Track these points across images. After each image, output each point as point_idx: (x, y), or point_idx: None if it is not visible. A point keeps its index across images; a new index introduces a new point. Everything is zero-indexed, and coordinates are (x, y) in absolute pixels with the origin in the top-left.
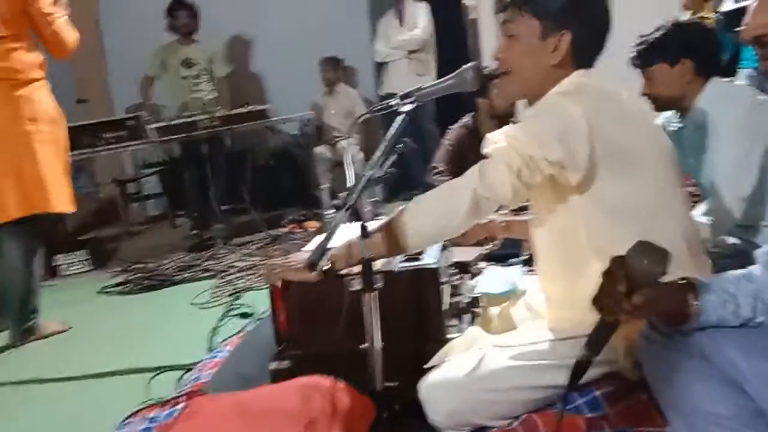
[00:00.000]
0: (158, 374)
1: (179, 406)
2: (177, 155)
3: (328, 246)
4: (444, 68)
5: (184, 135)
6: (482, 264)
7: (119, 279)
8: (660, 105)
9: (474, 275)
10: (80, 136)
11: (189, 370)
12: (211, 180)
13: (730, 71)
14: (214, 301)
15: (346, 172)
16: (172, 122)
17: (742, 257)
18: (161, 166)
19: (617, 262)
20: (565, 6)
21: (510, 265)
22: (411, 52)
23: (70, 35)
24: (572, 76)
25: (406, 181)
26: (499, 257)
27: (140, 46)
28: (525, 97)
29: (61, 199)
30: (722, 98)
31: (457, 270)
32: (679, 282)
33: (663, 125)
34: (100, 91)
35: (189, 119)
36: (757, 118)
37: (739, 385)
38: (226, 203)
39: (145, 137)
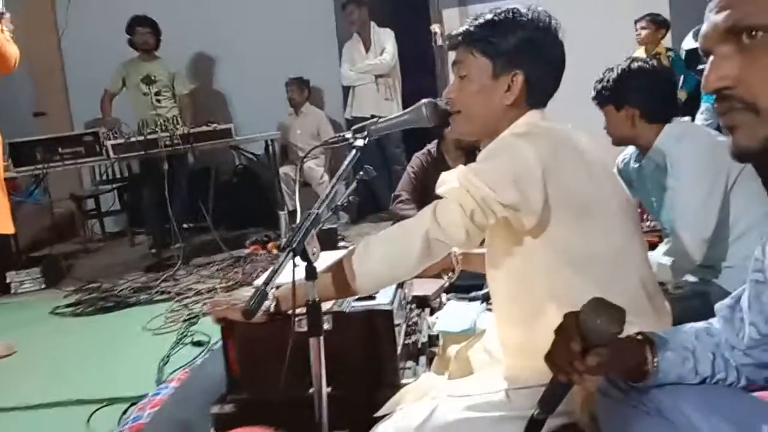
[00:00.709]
0: (101, 408)
1: None
2: (137, 171)
3: (274, 285)
4: (409, 94)
5: (142, 152)
6: (443, 297)
7: (72, 299)
8: (617, 142)
9: (434, 310)
10: (36, 150)
11: (133, 404)
12: (172, 198)
13: (692, 108)
14: (168, 326)
15: (318, 192)
16: (131, 139)
17: (702, 299)
18: (120, 182)
19: (571, 319)
20: (517, 46)
21: (473, 298)
22: (378, 76)
23: (12, 52)
24: (526, 117)
25: (372, 203)
26: (461, 288)
27: (101, 59)
28: (478, 137)
29: None
30: (680, 139)
31: (416, 305)
32: (637, 338)
33: (624, 161)
34: (59, 104)
35: (148, 136)
36: (716, 158)
37: None
38: (186, 222)
39: (104, 154)
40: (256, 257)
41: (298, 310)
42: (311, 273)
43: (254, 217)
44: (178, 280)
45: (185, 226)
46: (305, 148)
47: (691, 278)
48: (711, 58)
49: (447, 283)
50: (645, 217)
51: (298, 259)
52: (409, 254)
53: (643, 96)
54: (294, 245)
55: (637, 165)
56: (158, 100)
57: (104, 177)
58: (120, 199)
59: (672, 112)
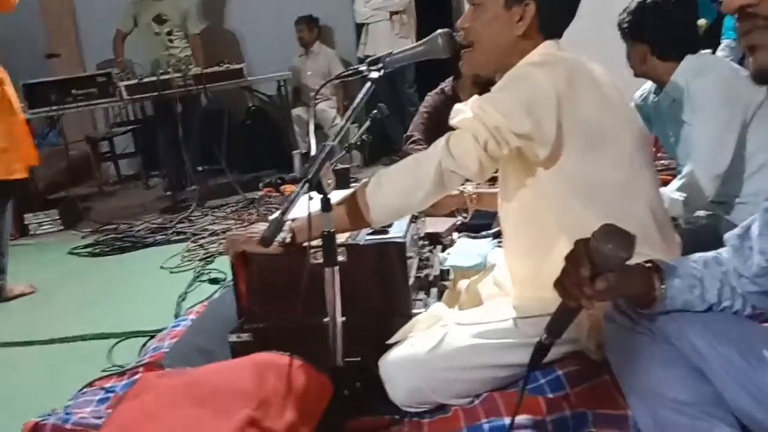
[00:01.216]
0: (121, 341)
1: (137, 377)
2: (150, 114)
3: (290, 218)
4: (424, 32)
5: (156, 93)
6: (454, 235)
7: (90, 240)
8: (636, 75)
9: (445, 247)
10: (50, 92)
11: (152, 337)
12: (186, 140)
13: (711, 42)
14: (185, 266)
15: (329, 133)
16: (144, 80)
17: (713, 234)
18: (134, 125)
19: (581, 245)
20: None
21: (482, 236)
22: (393, 13)
23: None
24: (541, 47)
25: (384, 145)
26: (472, 228)
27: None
28: (490, 69)
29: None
30: (699, 73)
31: (428, 241)
32: (645, 265)
33: (643, 96)
34: (70, 46)
35: (162, 77)
36: (735, 93)
37: (701, 371)
38: (201, 164)
39: (117, 95)
40: (270, 199)
41: (313, 243)
42: (326, 205)
43: (267, 159)
44: (193, 221)
45: (199, 168)
46: (317, 88)
47: (702, 214)
48: None
49: (459, 222)
50: (658, 155)
51: (313, 192)
52: (422, 185)
53: (656, 33)
54: (310, 177)
55: (655, 99)
56: (170, 40)
57: (118, 119)
58: (134, 141)
59: (685, 50)
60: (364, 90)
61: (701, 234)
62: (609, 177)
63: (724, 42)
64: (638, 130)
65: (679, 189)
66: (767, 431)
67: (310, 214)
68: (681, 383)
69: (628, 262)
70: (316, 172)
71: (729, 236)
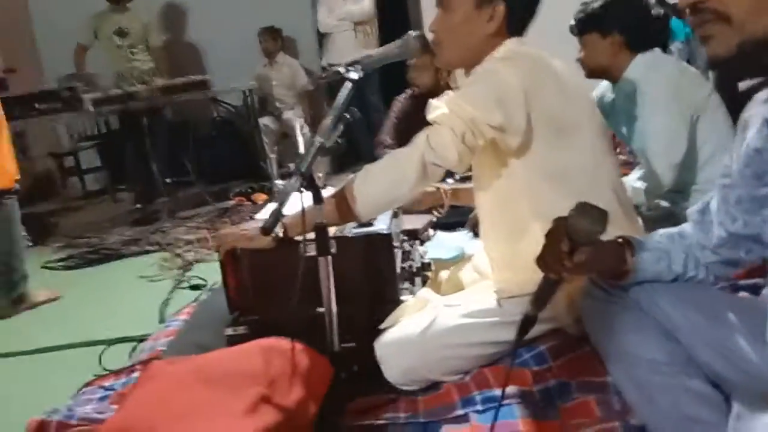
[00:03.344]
0: (111, 346)
1: (135, 374)
2: (115, 128)
3: (281, 213)
4: (387, 42)
5: (122, 106)
6: (430, 231)
7: (62, 254)
8: (591, 72)
9: (423, 242)
10: (12, 108)
11: (142, 341)
12: (153, 152)
13: (662, 44)
14: (163, 274)
15: (297, 142)
16: (110, 93)
17: (673, 220)
18: (99, 139)
19: (560, 222)
20: None
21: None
22: (357, 23)
23: None
24: (507, 44)
25: (352, 153)
26: (447, 225)
27: (71, 12)
28: (462, 66)
29: None
30: (650, 68)
31: (407, 237)
32: (617, 240)
33: (600, 96)
34: (29, 60)
35: (127, 90)
36: (684, 87)
37: (672, 335)
38: (169, 176)
39: (82, 108)
40: (242, 208)
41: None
42: (318, 197)
43: (236, 169)
44: (166, 232)
45: (168, 180)
46: (282, 98)
47: (663, 203)
48: None
49: (436, 217)
50: (617, 151)
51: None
52: (406, 178)
53: (630, 23)
54: (303, 170)
55: (611, 97)
56: (132, 53)
57: (83, 134)
58: (100, 156)
59: (647, 44)
60: (345, 91)
61: (661, 220)
62: (575, 163)
63: (673, 45)
64: (598, 119)
65: (640, 178)
66: (732, 385)
67: (303, 208)
68: (654, 345)
69: (601, 238)
70: (309, 166)
71: (691, 212)
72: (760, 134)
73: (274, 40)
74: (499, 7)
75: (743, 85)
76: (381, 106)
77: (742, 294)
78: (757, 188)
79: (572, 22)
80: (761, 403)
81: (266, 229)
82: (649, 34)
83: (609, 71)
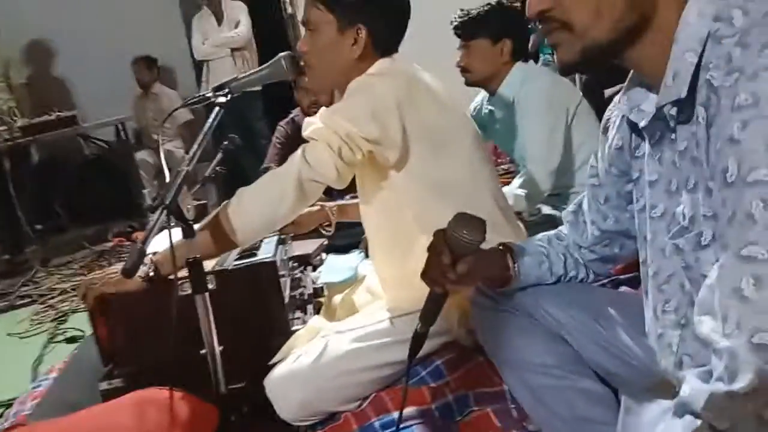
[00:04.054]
0: None
1: None
2: None
3: (150, 250)
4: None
5: None
6: (323, 255)
7: None
8: (473, 80)
9: (315, 267)
10: None
11: (9, 406)
12: (19, 198)
13: (534, 57)
14: (36, 329)
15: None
16: None
17: (555, 224)
18: None
19: (439, 235)
20: (356, 1)
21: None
22: (234, 50)
23: None
24: (377, 64)
25: (240, 182)
26: (341, 248)
27: None
28: (332, 87)
29: None
30: (524, 81)
31: (297, 263)
32: (498, 248)
33: (477, 107)
34: None
35: None
36: (557, 97)
37: (560, 336)
38: (38, 222)
39: None
40: (122, 249)
41: (179, 273)
42: (189, 231)
43: (113, 208)
44: (38, 282)
45: (38, 226)
46: (159, 131)
47: (544, 208)
48: None
49: (326, 242)
50: (498, 161)
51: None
52: (284, 198)
53: (518, 31)
54: (168, 203)
55: (488, 109)
56: None
57: None
58: None
59: (526, 55)
60: (212, 115)
61: (543, 224)
62: (455, 174)
63: (542, 58)
64: (473, 131)
65: (521, 186)
66: (620, 380)
67: (172, 243)
68: (543, 349)
69: (482, 247)
70: (174, 198)
71: (565, 214)
72: (620, 132)
73: (149, 70)
74: (362, 31)
75: (609, 92)
76: (267, 132)
77: (624, 288)
78: (623, 185)
79: (457, 27)
80: (647, 395)
81: (128, 271)
82: (527, 44)
83: (490, 80)
